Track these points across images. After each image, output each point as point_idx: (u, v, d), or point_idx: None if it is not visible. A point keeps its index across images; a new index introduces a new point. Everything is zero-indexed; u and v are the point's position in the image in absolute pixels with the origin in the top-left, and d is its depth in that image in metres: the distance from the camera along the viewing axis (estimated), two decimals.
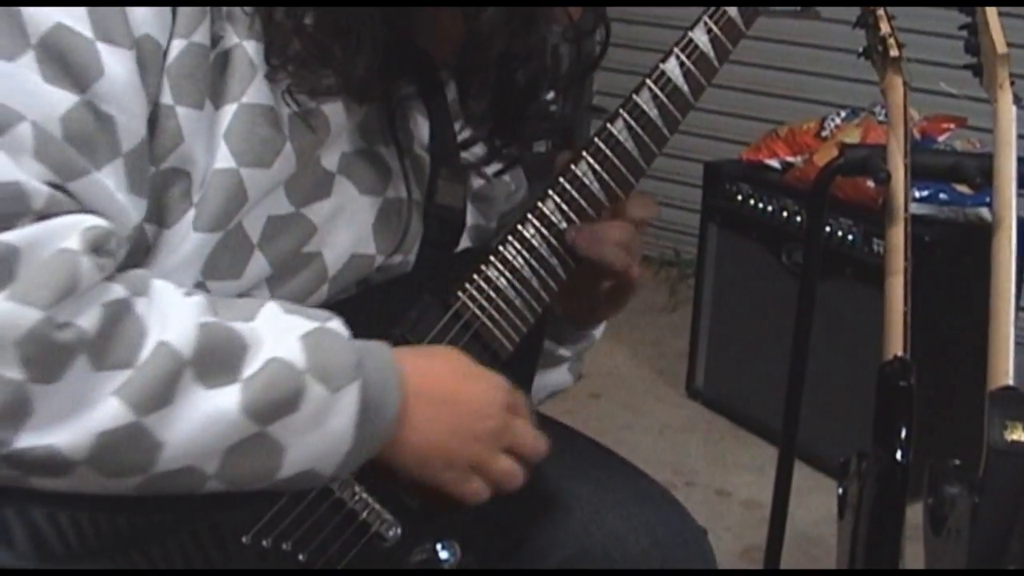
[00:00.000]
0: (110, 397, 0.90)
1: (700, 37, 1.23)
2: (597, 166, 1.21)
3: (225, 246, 1.04)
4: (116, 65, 0.94)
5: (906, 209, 1.53)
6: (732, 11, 1.24)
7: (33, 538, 0.96)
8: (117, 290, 0.92)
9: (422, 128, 1.19)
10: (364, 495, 1.08)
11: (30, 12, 0.92)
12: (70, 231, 0.90)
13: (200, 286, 1.03)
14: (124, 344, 0.91)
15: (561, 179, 1.21)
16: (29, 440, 0.88)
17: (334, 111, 1.09)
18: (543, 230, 1.20)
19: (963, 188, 2.61)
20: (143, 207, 0.98)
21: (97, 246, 0.91)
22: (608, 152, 1.21)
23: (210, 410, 0.93)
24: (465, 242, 1.26)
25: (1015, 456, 1.35)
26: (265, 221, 1.06)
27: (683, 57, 1.23)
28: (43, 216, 0.90)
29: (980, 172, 1.61)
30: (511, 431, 1.11)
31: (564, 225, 1.20)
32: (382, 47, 1.05)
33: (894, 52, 1.62)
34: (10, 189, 0.88)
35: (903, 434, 1.37)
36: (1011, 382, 1.43)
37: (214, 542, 1.01)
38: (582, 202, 1.21)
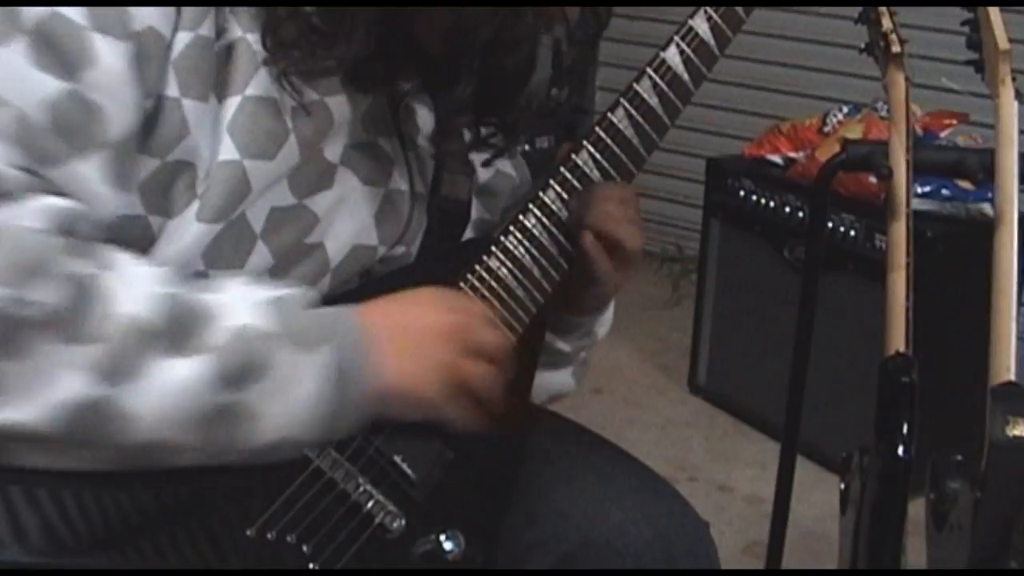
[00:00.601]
0: (76, 371, 0.90)
1: (701, 25, 1.23)
2: (598, 155, 1.21)
3: (228, 236, 1.04)
4: (109, 55, 0.95)
5: (908, 205, 1.53)
6: None
7: (44, 529, 0.96)
8: (83, 265, 0.92)
9: (427, 121, 1.19)
10: (368, 487, 1.09)
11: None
12: (37, 212, 0.90)
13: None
14: (92, 318, 0.91)
15: (562, 168, 1.21)
16: None
17: (338, 103, 1.09)
18: (544, 219, 1.20)
19: (965, 184, 2.61)
20: (124, 200, 0.98)
21: (65, 227, 0.92)
22: (609, 141, 1.21)
23: (179, 379, 0.93)
24: (469, 235, 1.26)
25: (1017, 451, 1.35)
26: (268, 212, 1.06)
27: (683, 45, 1.23)
28: (12, 198, 0.90)
29: (982, 168, 1.62)
30: (469, 326, 1.10)
31: (565, 214, 1.20)
32: (375, 30, 1.05)
33: (896, 48, 1.62)
34: None
35: (905, 430, 1.38)
36: (1013, 378, 1.44)
37: (219, 535, 1.02)
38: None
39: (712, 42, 1.24)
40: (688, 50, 1.23)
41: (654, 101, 1.22)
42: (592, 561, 1.23)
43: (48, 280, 0.89)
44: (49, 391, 0.90)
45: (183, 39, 0.99)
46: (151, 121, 0.99)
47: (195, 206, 1.02)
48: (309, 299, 1.03)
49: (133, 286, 0.94)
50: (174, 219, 1.02)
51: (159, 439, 0.94)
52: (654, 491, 1.29)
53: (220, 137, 1.02)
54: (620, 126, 1.21)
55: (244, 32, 1.03)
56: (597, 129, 1.21)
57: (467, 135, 1.24)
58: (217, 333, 0.96)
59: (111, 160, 0.96)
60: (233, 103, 1.03)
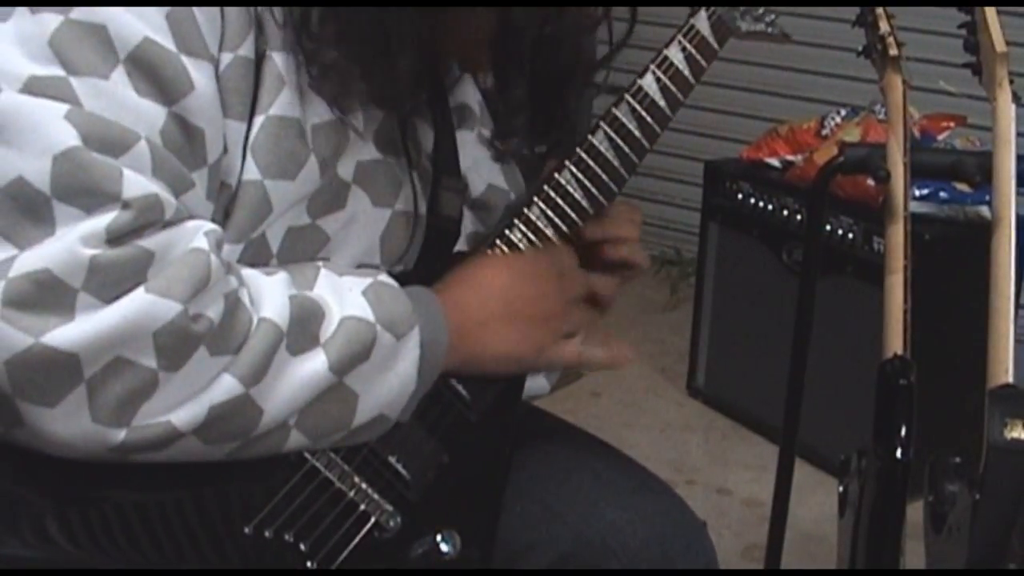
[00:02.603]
0: (223, 374, 0.96)
1: (675, 55, 1.26)
2: (580, 175, 1.24)
3: (246, 255, 1.06)
4: (202, 79, 0.98)
5: (906, 207, 1.53)
6: (704, 30, 1.28)
7: (41, 527, 0.97)
8: (232, 282, 0.98)
9: (427, 138, 1.20)
10: (364, 486, 1.10)
11: (116, 27, 0.94)
12: (196, 233, 0.96)
13: None
14: (238, 330, 0.97)
15: (546, 187, 1.24)
16: (146, 419, 0.94)
17: (353, 119, 1.09)
18: (529, 235, 1.23)
19: (963, 186, 2.61)
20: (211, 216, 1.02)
21: (218, 245, 0.98)
22: (590, 162, 1.24)
23: (304, 374, 1.00)
24: (461, 247, 1.27)
25: (1015, 454, 1.35)
26: (285, 232, 1.08)
27: (659, 73, 1.26)
28: (168, 224, 0.95)
29: (979, 170, 1.62)
30: (571, 290, 1.20)
31: (550, 231, 1.23)
32: (419, 54, 1.08)
33: (893, 51, 1.63)
34: (150, 200, 0.93)
35: (903, 432, 1.38)
36: (1011, 380, 1.44)
37: (216, 532, 1.03)
38: (566, 209, 1.24)
39: (687, 71, 1.27)
40: (664, 78, 1.26)
41: (632, 125, 1.25)
42: (587, 561, 1.23)
43: (210, 296, 0.95)
44: (199, 396, 0.95)
45: (225, 59, 1.01)
46: None
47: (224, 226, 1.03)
48: (393, 284, 1.10)
49: (264, 296, 1.01)
50: None
51: (276, 427, 1.01)
52: (650, 491, 1.30)
53: (245, 156, 1.04)
54: (600, 148, 1.25)
55: (271, 51, 1.04)
56: (578, 150, 1.25)
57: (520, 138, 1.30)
58: (328, 328, 1.03)
59: (209, 179, 1.00)
60: (257, 123, 1.04)
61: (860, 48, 1.70)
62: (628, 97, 1.25)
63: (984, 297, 1.50)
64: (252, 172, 1.03)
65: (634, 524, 1.24)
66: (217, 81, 1.00)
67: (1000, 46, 1.60)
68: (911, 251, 1.50)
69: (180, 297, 0.92)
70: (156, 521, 1.00)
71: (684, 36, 1.27)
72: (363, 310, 1.05)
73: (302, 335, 1.01)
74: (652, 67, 1.26)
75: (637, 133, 1.25)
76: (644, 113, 1.25)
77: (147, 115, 0.95)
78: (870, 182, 1.90)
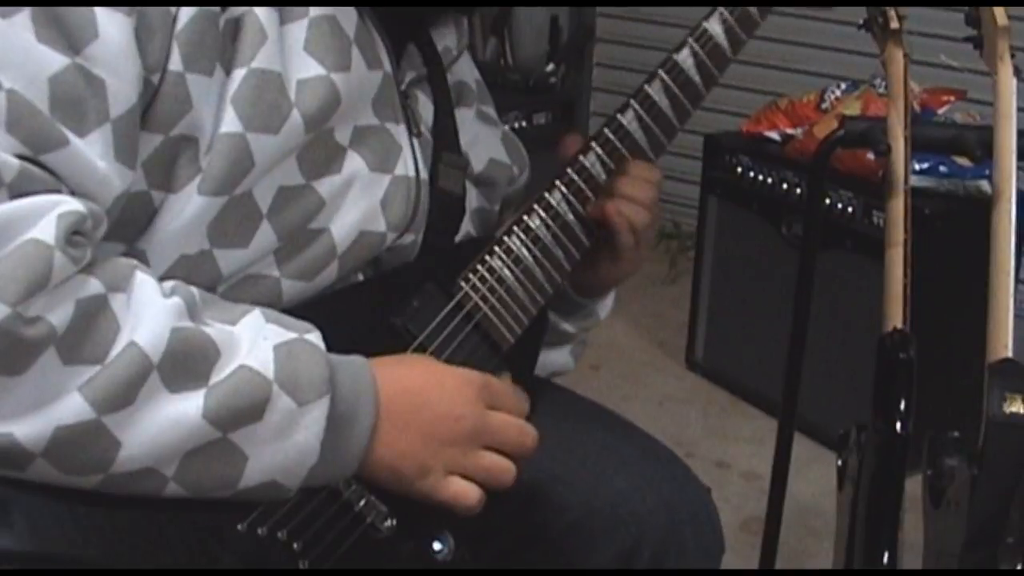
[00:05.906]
0: (74, 392, 0.89)
1: (715, 28, 1.24)
2: (606, 157, 1.21)
3: (233, 213, 1.04)
4: (112, 29, 0.94)
5: (906, 181, 1.53)
6: None
7: (31, 520, 0.96)
8: (93, 285, 0.92)
9: (428, 111, 1.19)
10: (359, 485, 1.07)
11: None
12: (44, 215, 0.89)
13: (206, 253, 1.03)
14: (96, 340, 0.90)
15: (569, 170, 1.21)
16: None
17: (344, 81, 1.08)
18: (549, 221, 1.20)
19: (963, 161, 2.61)
20: (128, 176, 0.97)
21: (71, 233, 0.90)
22: (617, 143, 1.21)
23: (172, 414, 0.92)
24: (468, 227, 1.26)
25: (1014, 428, 1.36)
26: (276, 191, 1.06)
27: (696, 47, 1.23)
28: (15, 192, 0.89)
29: (980, 145, 1.61)
30: (488, 427, 1.09)
31: (571, 216, 1.20)
32: None
33: (894, 24, 1.62)
34: None
35: (902, 406, 1.38)
36: (1010, 354, 1.44)
37: (210, 531, 1.01)
38: (589, 193, 1.21)
39: (725, 45, 1.25)
40: (701, 52, 1.23)
41: (664, 104, 1.22)
42: (596, 529, 1.23)
43: (55, 298, 0.89)
44: (46, 409, 0.89)
45: (187, 13, 0.99)
46: (153, 96, 0.99)
47: (198, 179, 1.01)
48: (317, 345, 1.00)
49: (141, 314, 0.93)
50: (177, 193, 1.01)
51: (143, 468, 0.93)
52: (656, 458, 1.30)
53: (223, 109, 1.02)
54: (629, 128, 1.22)
55: (253, 6, 1.03)
56: (605, 131, 1.21)
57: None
58: (222, 370, 0.95)
59: (112, 135, 0.95)
60: (238, 75, 1.02)
61: (861, 21, 1.70)
62: (662, 73, 1.22)
63: (984, 271, 1.50)
64: (233, 125, 1.01)
65: (642, 491, 1.24)
66: (171, 36, 0.97)
67: (1002, 20, 1.59)
68: (911, 225, 1.50)
69: (8, 298, 0.85)
70: (147, 517, 0.98)
71: (727, 7, 1.24)
72: (264, 364, 0.96)
73: (181, 371, 0.93)
74: (690, 41, 1.23)
75: (669, 112, 1.22)
76: (677, 91, 1.22)
77: (39, 60, 0.91)
78: (870, 156, 1.90)
